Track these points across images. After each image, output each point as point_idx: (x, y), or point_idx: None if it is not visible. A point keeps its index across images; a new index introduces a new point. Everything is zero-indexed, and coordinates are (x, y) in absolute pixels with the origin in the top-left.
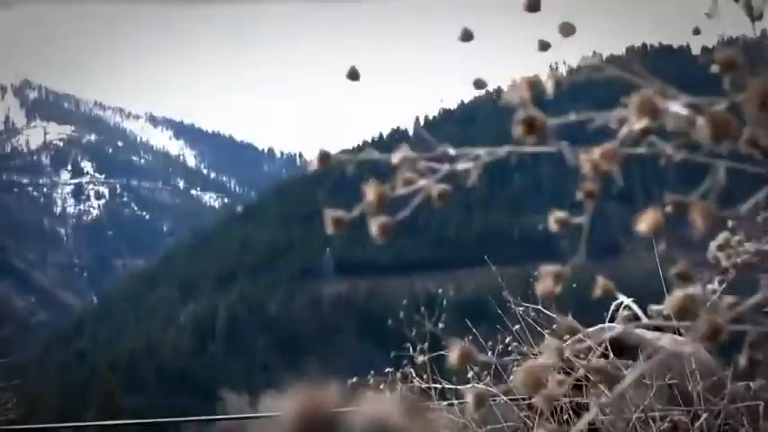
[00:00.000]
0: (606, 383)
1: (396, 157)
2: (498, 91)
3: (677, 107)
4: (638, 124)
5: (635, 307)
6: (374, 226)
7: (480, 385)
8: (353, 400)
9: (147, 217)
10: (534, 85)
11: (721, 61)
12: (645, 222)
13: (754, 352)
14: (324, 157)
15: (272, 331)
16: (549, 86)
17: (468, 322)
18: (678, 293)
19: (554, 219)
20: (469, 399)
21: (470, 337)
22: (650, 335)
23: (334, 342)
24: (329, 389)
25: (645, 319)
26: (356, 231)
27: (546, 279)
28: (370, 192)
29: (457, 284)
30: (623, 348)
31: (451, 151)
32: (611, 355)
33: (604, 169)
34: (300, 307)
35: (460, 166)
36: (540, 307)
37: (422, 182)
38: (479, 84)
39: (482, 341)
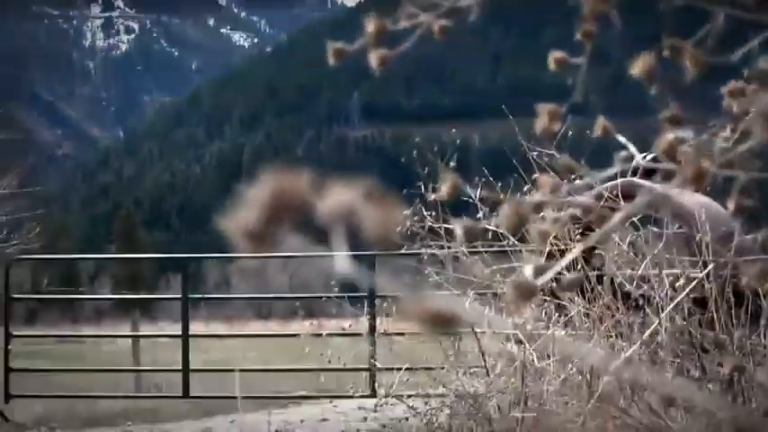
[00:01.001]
0: (596, 223)
1: None
2: None
3: None
4: None
5: (632, 147)
6: (373, 57)
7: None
8: (323, 189)
9: (176, 54)
10: None
11: None
12: (638, 66)
13: (742, 198)
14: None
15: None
16: None
17: (485, 169)
18: (667, 136)
19: (553, 59)
20: (457, 230)
21: (483, 180)
22: (663, 187)
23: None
24: (302, 176)
25: (640, 159)
26: (384, 79)
27: (543, 117)
28: (370, 25)
29: (482, 135)
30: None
31: None
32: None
33: (601, 9)
34: (326, 150)
35: (464, 0)
36: (553, 152)
37: (423, 16)
38: None
39: (494, 182)
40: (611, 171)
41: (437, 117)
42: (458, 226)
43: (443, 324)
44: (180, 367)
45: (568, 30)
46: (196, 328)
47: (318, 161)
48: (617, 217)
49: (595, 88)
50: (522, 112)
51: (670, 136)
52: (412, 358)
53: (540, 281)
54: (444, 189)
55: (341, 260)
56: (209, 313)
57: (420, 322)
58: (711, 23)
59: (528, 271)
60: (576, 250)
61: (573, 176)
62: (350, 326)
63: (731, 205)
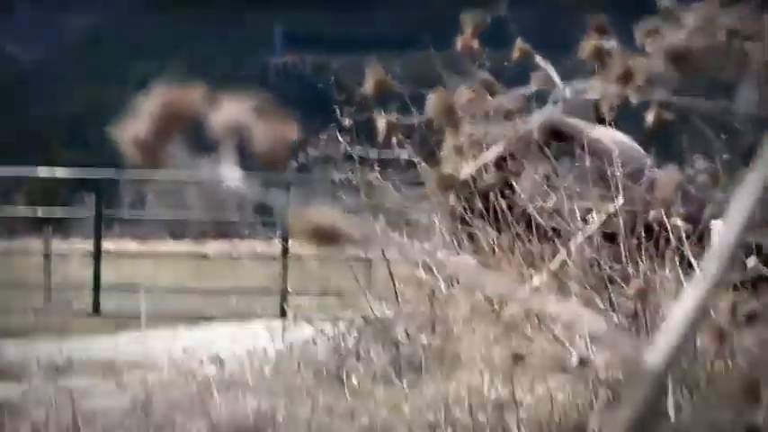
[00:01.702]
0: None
1: None
2: None
3: None
4: None
5: (550, 68)
6: None
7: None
8: (214, 103)
9: None
10: None
11: None
12: None
13: (661, 111)
14: None
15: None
16: None
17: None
18: (592, 41)
19: None
20: (380, 126)
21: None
22: (583, 124)
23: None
24: (194, 89)
25: (557, 80)
26: (308, 7)
27: (466, 26)
28: None
29: (405, 65)
30: (558, 135)
31: None
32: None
33: None
34: (246, 75)
35: None
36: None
37: None
38: None
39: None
40: (527, 90)
41: (361, 46)
42: (381, 121)
43: (327, 238)
44: (91, 283)
45: None
46: (109, 246)
47: (240, 88)
48: (533, 119)
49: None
50: (448, 45)
51: (596, 41)
52: (323, 282)
53: (462, 174)
54: (370, 82)
55: (230, 174)
56: (123, 232)
57: (304, 236)
58: None
59: (447, 167)
60: (492, 151)
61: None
62: (261, 249)
63: (651, 117)
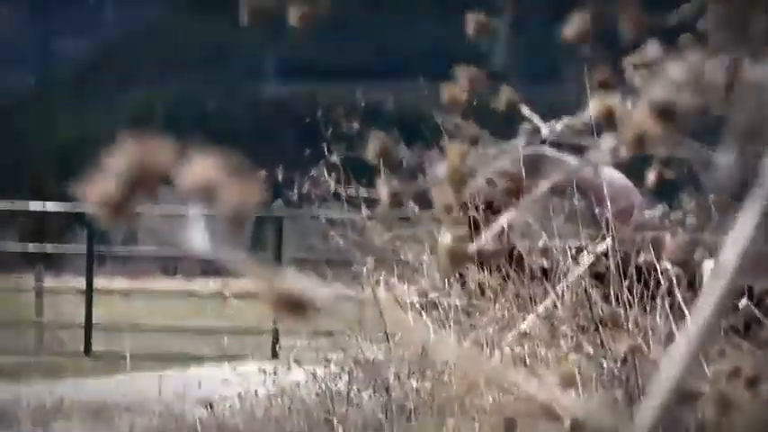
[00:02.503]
0: (511, 195)
1: None
2: None
3: None
4: None
5: (537, 119)
6: (293, 15)
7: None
8: (184, 160)
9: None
10: None
11: None
12: (571, 26)
13: (663, 170)
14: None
15: (206, 128)
16: None
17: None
18: (602, 99)
19: (473, 22)
20: (383, 193)
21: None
22: (567, 157)
23: (267, 142)
24: (162, 146)
25: (546, 132)
26: (299, 35)
27: (460, 80)
28: None
29: (396, 96)
30: (538, 171)
31: None
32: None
33: None
34: (237, 106)
35: None
36: (460, 121)
37: None
38: None
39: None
40: (516, 143)
41: (354, 74)
42: (383, 188)
43: (295, 309)
44: (83, 322)
45: None
46: (101, 282)
47: (230, 118)
48: (542, 186)
49: (514, 54)
50: (440, 76)
51: (605, 100)
52: (315, 323)
53: (472, 247)
54: (372, 149)
55: (196, 236)
56: (114, 268)
57: (269, 304)
58: None
59: (448, 238)
60: (504, 218)
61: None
62: (253, 287)
63: (651, 176)
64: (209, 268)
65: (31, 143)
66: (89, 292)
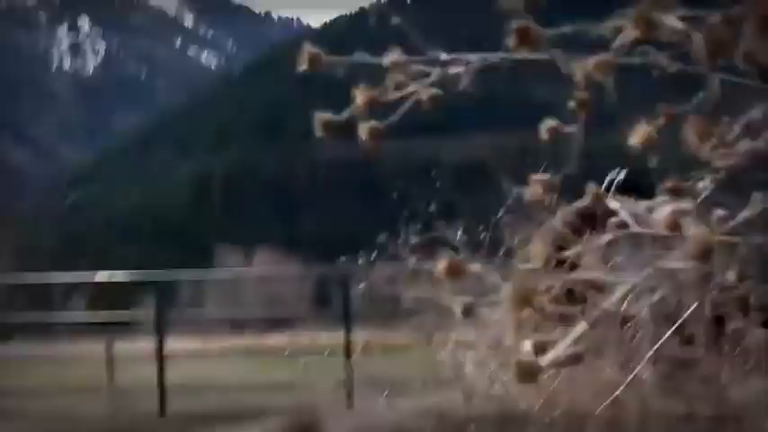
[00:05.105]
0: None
1: (387, 61)
2: None
3: (674, 20)
4: (634, 34)
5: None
6: (363, 131)
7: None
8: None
9: (143, 75)
10: None
11: None
12: (636, 135)
13: (745, 267)
14: (312, 60)
15: (268, 193)
16: None
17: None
18: (668, 208)
19: (546, 127)
20: (440, 266)
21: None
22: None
23: (330, 205)
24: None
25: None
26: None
27: (535, 186)
28: (360, 96)
29: (454, 149)
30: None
31: (443, 56)
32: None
33: (597, 79)
34: (298, 169)
35: (452, 70)
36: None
37: (413, 86)
38: None
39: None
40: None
41: (409, 130)
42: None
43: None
44: (156, 384)
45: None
46: (171, 345)
47: (291, 181)
48: (618, 293)
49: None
50: (497, 126)
51: (671, 208)
52: (389, 375)
53: (543, 361)
54: (441, 268)
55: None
56: (183, 330)
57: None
58: (707, 91)
59: (527, 347)
60: (578, 328)
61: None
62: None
63: (732, 275)
64: (276, 324)
65: (94, 214)
66: (160, 353)
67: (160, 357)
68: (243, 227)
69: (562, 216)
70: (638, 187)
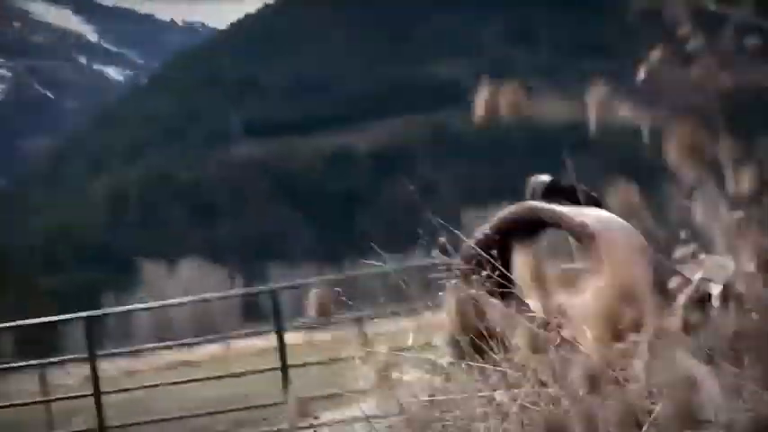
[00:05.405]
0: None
1: None
2: None
3: None
4: None
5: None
6: None
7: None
8: None
9: (52, 96)
10: None
11: None
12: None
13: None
14: None
15: (185, 201)
16: None
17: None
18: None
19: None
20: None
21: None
22: (567, 209)
23: (246, 205)
24: None
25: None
26: (262, 96)
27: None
28: None
29: (367, 137)
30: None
31: None
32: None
33: None
34: (211, 172)
35: None
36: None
37: None
38: None
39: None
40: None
41: (318, 124)
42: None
43: None
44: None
45: (439, 23)
46: (106, 366)
47: (205, 185)
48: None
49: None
50: (402, 110)
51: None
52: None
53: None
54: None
55: None
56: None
57: None
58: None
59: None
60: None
61: None
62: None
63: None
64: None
65: (11, 243)
66: (97, 395)
67: (97, 398)
68: (163, 239)
69: (461, 255)
70: (563, 191)
